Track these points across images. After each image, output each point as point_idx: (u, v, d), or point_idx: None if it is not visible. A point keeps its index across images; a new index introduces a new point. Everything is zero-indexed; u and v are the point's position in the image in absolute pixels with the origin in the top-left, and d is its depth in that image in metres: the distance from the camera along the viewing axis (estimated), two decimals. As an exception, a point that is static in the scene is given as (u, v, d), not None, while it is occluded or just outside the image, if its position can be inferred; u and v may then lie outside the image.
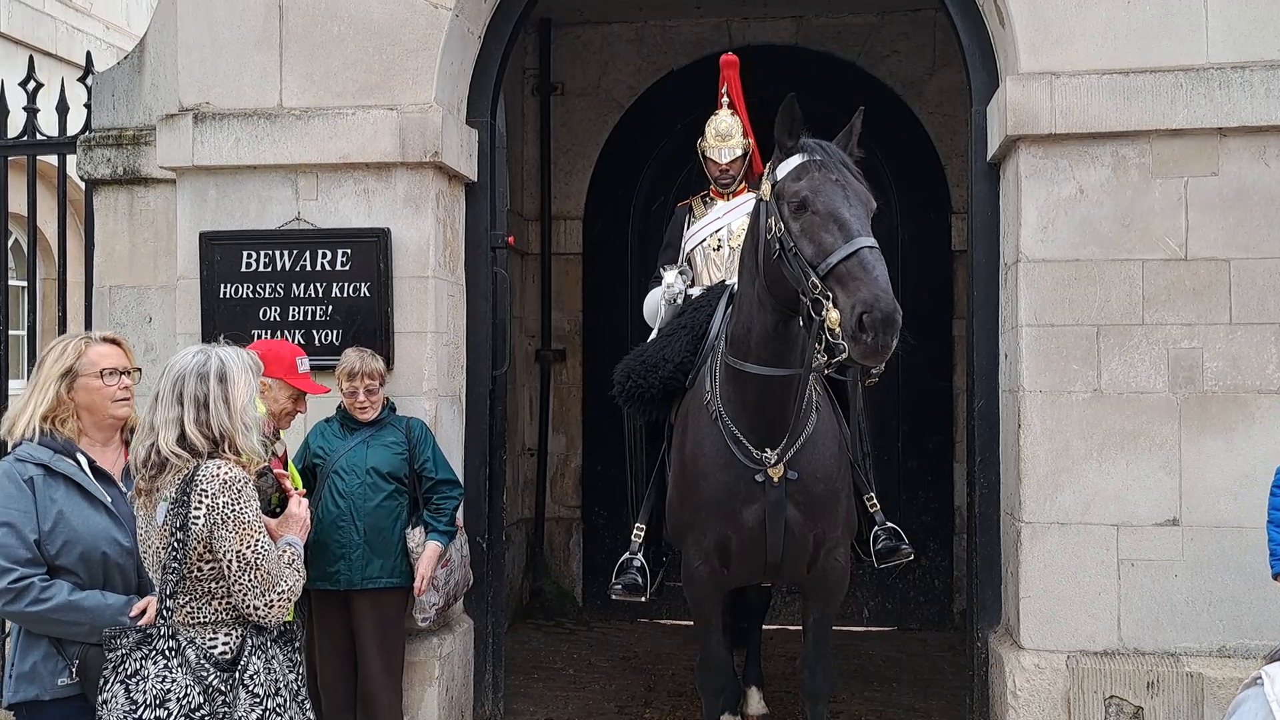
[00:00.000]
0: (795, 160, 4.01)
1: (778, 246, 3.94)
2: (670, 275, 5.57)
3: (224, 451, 3.11)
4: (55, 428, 3.45)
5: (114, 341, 3.62)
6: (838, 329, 3.64)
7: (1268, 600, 4.77)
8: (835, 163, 3.97)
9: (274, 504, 3.34)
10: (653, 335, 5.51)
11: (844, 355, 3.68)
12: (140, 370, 3.73)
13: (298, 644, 3.29)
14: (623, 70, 8.54)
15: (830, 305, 3.67)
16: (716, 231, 5.70)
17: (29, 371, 6.24)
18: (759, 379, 4.35)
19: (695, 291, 5.55)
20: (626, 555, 5.16)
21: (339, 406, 5.01)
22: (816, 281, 3.72)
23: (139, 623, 3.20)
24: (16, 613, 3.32)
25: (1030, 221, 4.96)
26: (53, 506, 3.34)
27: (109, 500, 3.42)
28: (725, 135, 5.68)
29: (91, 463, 3.46)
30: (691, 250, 5.76)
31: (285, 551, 3.20)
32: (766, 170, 4.17)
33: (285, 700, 3.13)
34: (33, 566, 3.29)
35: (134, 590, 3.41)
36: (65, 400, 3.47)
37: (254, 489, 3.14)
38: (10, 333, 6.38)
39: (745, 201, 5.70)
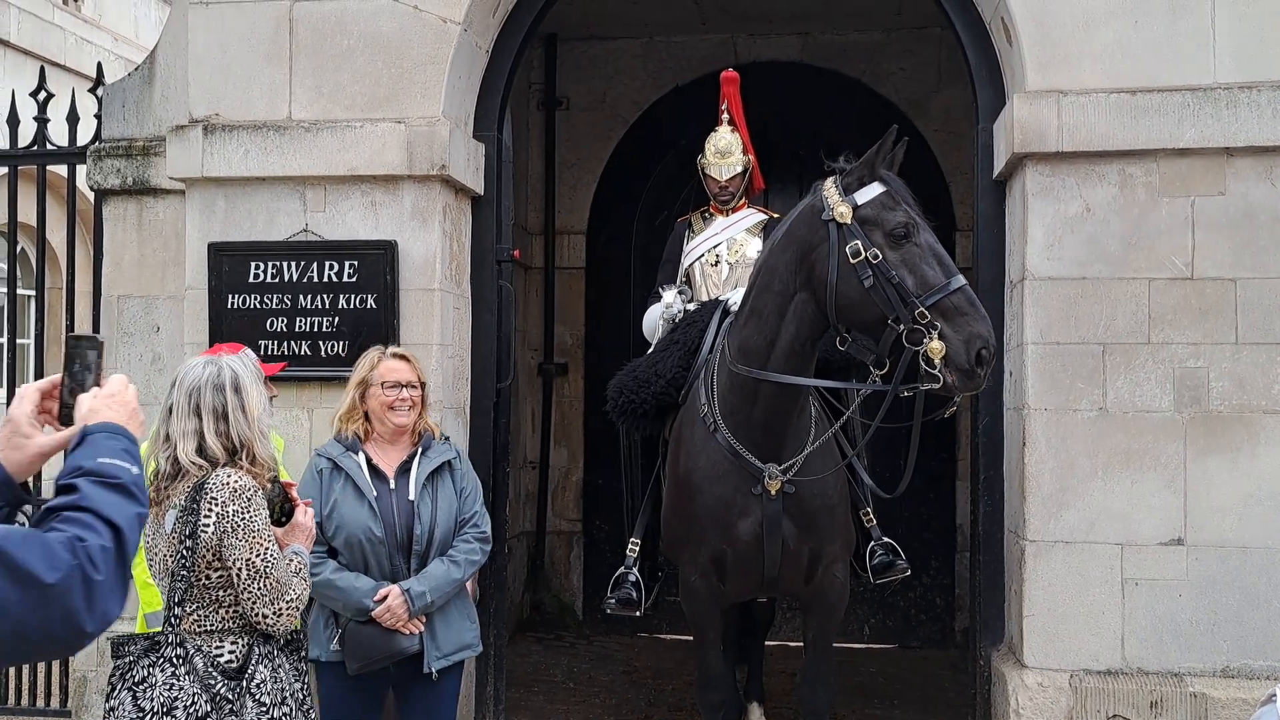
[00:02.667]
0: (878, 188, 4.06)
1: (870, 272, 3.97)
2: (670, 295, 5.56)
3: (240, 460, 3.13)
4: (344, 426, 4.18)
5: (403, 357, 4.24)
6: (936, 359, 3.79)
7: (1272, 621, 4.77)
8: (911, 197, 4.08)
9: (277, 513, 3.35)
10: (649, 352, 5.52)
11: (935, 385, 3.82)
12: (426, 383, 4.28)
13: (304, 653, 3.30)
14: (628, 86, 8.56)
15: (934, 336, 3.79)
16: (715, 247, 5.70)
17: (35, 379, 6.28)
18: (770, 388, 4.36)
19: (693, 307, 5.55)
20: (622, 570, 5.18)
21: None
22: (925, 311, 3.83)
23: (376, 609, 3.93)
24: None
25: (1037, 239, 4.96)
26: (332, 495, 4.08)
27: (374, 495, 4.08)
28: (725, 152, 5.68)
29: (369, 460, 4.13)
30: (690, 266, 5.76)
31: (292, 560, 3.21)
32: (830, 192, 4.12)
33: (291, 709, 3.14)
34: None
35: (387, 576, 4.06)
36: (358, 406, 4.19)
37: (263, 498, 3.15)
38: (17, 341, 6.39)
39: (744, 217, 5.71)
